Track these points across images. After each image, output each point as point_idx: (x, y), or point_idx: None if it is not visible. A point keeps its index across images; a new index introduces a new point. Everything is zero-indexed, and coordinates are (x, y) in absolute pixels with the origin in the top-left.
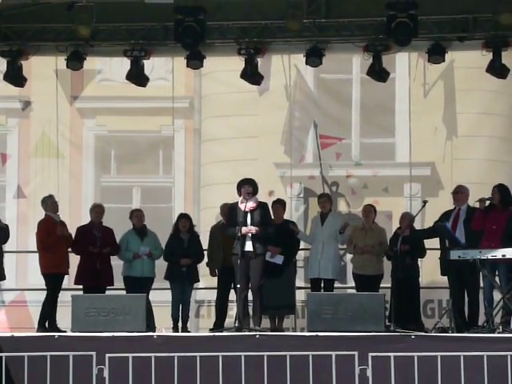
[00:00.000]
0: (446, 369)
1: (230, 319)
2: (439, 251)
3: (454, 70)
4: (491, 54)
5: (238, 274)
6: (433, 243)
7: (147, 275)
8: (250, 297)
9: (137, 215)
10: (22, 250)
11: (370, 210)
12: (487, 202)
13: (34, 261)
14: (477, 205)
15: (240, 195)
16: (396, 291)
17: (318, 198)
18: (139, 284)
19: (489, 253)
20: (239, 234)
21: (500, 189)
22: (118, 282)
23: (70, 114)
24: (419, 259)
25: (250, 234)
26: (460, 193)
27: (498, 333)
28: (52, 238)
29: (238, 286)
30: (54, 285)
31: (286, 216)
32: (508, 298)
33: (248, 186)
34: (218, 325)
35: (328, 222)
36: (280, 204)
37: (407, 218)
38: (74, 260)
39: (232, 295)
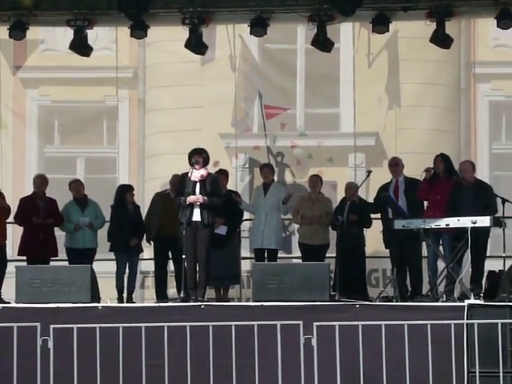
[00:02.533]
0: (390, 337)
1: (174, 289)
2: (382, 224)
3: (398, 40)
4: (435, 24)
5: (185, 243)
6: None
7: (89, 246)
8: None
9: (74, 186)
10: None
11: (316, 181)
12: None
13: None
14: (423, 175)
15: (191, 165)
16: (341, 261)
17: (260, 168)
18: (81, 255)
19: (433, 222)
20: (185, 204)
21: (444, 158)
22: (62, 253)
23: (13, 85)
24: (364, 229)
25: (198, 204)
26: (398, 164)
27: (442, 301)
28: None
29: (184, 256)
30: None
31: (231, 186)
32: (451, 267)
33: (198, 156)
34: (160, 295)
35: (271, 192)
36: (223, 174)
37: (352, 188)
38: (18, 231)
39: (171, 265)
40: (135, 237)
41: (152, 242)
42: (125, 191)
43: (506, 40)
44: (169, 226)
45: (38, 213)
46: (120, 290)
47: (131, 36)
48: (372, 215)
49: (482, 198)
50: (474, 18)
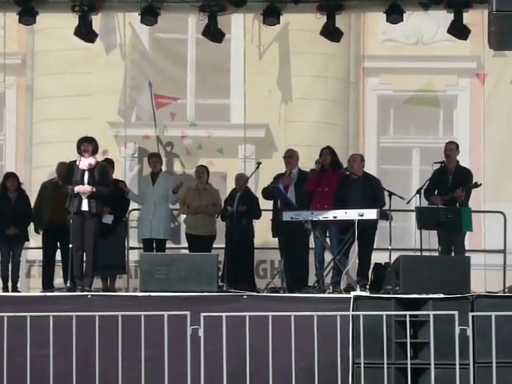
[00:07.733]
0: (277, 328)
1: (60, 279)
2: (271, 212)
3: (289, 33)
4: (325, 17)
5: (72, 233)
6: (267, 205)
7: None
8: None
9: None
10: None
11: (202, 171)
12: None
13: None
14: (313, 167)
15: (80, 153)
16: (230, 251)
17: (148, 157)
18: None
19: (320, 214)
20: (72, 192)
21: (331, 151)
22: None
23: None
24: (254, 220)
25: (85, 193)
26: (292, 157)
27: (328, 293)
28: None
29: (71, 245)
30: None
31: (120, 176)
32: (338, 259)
33: (87, 145)
34: (46, 284)
35: (159, 182)
36: (108, 163)
37: (242, 179)
38: None
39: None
40: (15, 226)
41: (41, 232)
42: (5, 179)
43: (395, 34)
44: (59, 215)
45: None
46: (4, 279)
47: (19, 22)
48: (263, 206)
49: (370, 192)
50: (363, 12)
